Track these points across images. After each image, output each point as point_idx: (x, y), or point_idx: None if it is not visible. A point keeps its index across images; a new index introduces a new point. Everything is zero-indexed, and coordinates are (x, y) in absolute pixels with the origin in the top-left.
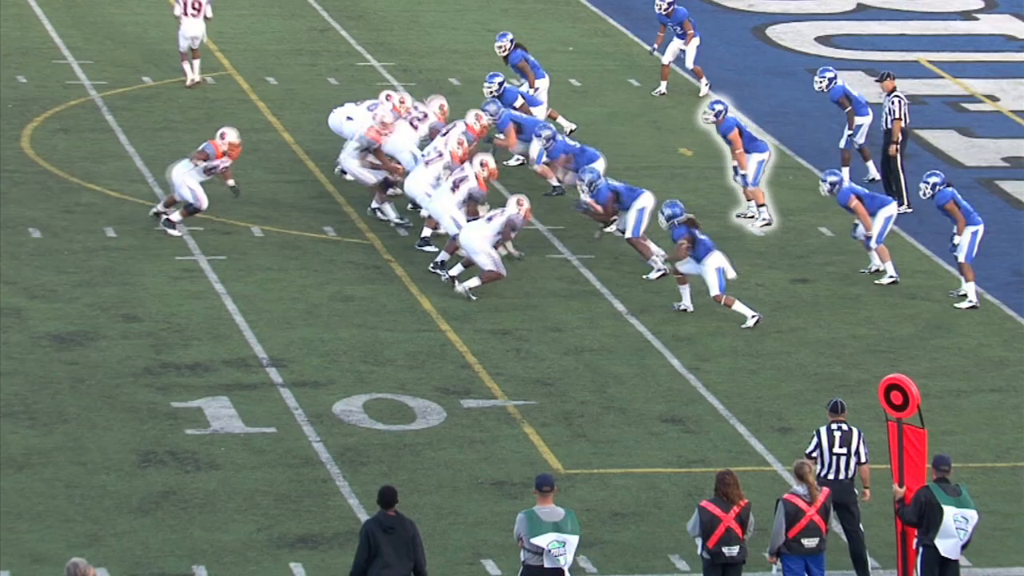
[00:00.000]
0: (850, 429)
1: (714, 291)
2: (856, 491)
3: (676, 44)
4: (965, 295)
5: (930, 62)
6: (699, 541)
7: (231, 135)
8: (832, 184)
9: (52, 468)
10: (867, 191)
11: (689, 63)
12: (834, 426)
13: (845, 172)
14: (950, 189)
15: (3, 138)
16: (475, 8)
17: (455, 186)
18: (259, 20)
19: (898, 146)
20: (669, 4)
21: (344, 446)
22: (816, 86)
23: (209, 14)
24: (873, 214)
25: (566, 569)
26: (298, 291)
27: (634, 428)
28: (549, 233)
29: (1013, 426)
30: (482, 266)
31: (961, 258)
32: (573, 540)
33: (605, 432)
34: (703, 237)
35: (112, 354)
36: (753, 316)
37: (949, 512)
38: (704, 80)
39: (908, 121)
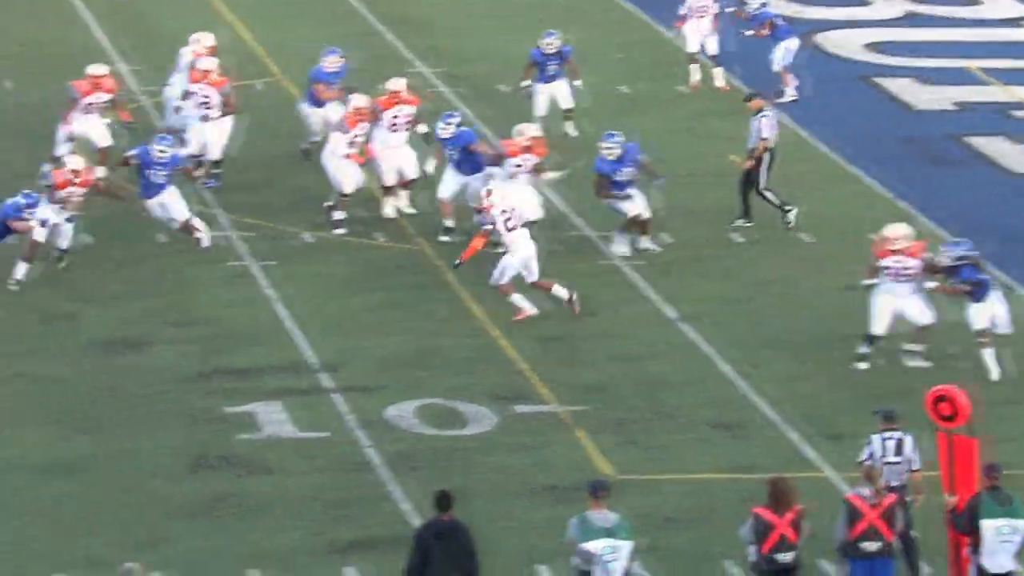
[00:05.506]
0: (903, 437)
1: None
2: (908, 498)
3: (783, 45)
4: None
5: (980, 69)
6: (752, 548)
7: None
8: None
9: (106, 474)
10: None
11: (775, 66)
12: (887, 434)
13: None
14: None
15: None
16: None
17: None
18: (310, 28)
19: (758, 163)
20: (761, 4)
21: (396, 451)
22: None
23: None
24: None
25: (619, 575)
26: (349, 296)
27: (685, 434)
28: (599, 239)
29: None
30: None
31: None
32: (626, 546)
33: (656, 438)
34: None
35: (163, 359)
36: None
37: (990, 526)
38: (790, 88)
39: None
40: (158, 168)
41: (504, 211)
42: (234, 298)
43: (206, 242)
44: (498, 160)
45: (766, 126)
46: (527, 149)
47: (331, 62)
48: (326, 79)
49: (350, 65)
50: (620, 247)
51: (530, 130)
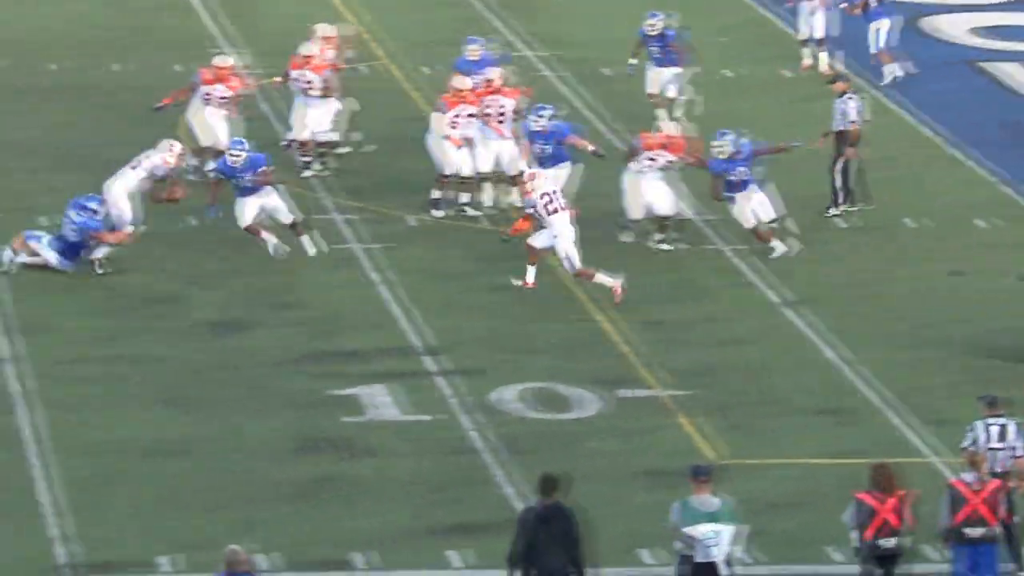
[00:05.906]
0: (1007, 423)
1: None
2: (1012, 484)
3: (874, 26)
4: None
5: None
6: (854, 533)
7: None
8: None
9: (209, 455)
10: None
11: (871, 47)
12: (991, 420)
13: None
14: None
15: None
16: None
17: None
18: (414, 13)
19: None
20: None
21: (499, 435)
22: None
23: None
24: None
25: (720, 559)
26: (452, 280)
27: (789, 419)
28: (703, 224)
29: None
30: None
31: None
32: (729, 530)
33: (760, 423)
34: None
35: (267, 342)
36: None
37: None
38: (888, 67)
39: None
40: (240, 174)
41: (545, 194)
42: (338, 281)
43: (312, 250)
44: (633, 154)
45: (852, 109)
46: (665, 145)
47: (472, 51)
48: (468, 68)
49: (490, 54)
50: (780, 248)
51: (676, 125)
